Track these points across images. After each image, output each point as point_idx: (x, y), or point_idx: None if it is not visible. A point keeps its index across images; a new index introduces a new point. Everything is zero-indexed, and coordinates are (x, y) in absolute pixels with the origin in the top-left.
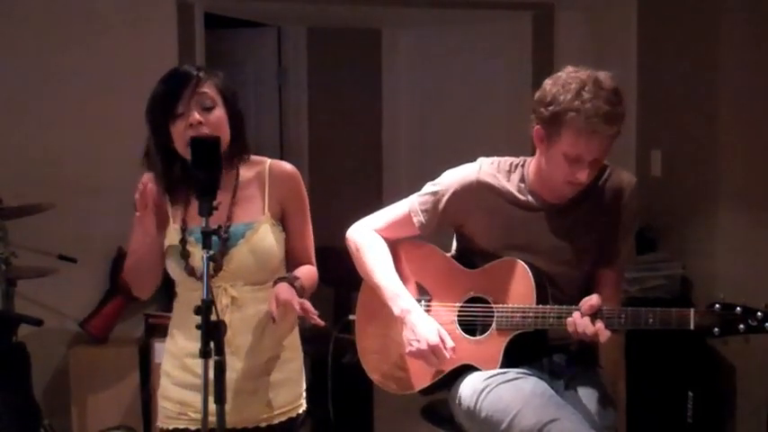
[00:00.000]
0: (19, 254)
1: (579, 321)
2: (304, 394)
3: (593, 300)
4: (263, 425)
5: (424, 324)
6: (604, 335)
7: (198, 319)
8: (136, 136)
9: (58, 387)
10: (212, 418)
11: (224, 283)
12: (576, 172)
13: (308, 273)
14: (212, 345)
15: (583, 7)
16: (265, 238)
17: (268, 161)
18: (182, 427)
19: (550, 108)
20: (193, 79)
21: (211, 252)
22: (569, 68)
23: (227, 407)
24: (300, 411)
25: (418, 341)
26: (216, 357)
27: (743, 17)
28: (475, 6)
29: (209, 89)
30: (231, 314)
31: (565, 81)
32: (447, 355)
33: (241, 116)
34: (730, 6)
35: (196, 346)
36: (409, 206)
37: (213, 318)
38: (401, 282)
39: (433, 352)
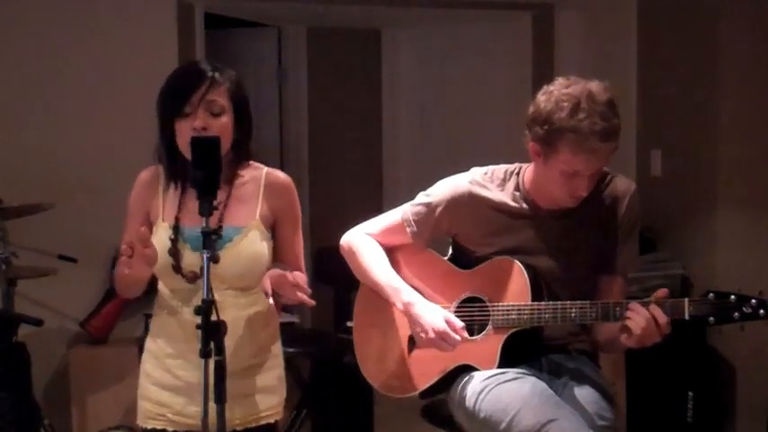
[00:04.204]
0: (19, 254)
1: (653, 311)
2: (283, 403)
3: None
4: (240, 429)
5: (429, 313)
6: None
7: (196, 318)
8: (136, 135)
9: (58, 387)
10: (191, 420)
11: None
12: (576, 186)
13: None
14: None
15: (583, 8)
16: (254, 243)
17: (265, 169)
18: (159, 427)
19: (545, 127)
20: (206, 81)
21: (210, 252)
22: (561, 81)
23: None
24: (277, 419)
25: (426, 331)
26: (216, 357)
27: (742, 17)
28: (475, 6)
29: (219, 96)
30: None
31: (558, 98)
32: (457, 337)
33: (249, 123)
34: (730, 6)
35: (176, 347)
36: (402, 216)
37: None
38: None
39: (443, 338)
